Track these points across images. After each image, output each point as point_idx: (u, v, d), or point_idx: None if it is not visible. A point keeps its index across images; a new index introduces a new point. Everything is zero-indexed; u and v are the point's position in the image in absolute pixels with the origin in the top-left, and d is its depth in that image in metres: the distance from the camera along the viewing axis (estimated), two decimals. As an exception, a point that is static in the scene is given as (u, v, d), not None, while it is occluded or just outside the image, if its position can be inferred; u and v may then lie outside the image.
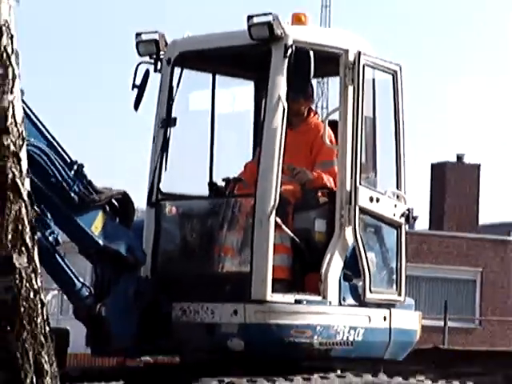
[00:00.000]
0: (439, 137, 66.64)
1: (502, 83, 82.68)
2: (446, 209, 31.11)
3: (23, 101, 7.12)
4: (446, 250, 26.09)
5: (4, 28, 5.56)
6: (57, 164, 8.25)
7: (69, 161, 8.31)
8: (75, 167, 8.30)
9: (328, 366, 8.35)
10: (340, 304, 8.46)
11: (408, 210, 9.00)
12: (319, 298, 8.34)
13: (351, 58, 8.47)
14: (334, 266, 8.42)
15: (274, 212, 8.03)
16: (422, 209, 32.96)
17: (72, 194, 8.29)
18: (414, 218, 9.48)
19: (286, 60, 8.25)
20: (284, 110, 8.24)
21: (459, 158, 32.46)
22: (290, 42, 8.18)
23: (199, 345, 8.54)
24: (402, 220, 8.82)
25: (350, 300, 8.56)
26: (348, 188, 8.47)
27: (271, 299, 8.09)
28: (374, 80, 8.84)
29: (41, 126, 8.21)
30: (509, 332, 27.15)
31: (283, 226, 8.14)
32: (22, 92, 6.57)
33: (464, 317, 25.66)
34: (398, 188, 8.97)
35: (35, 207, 6.15)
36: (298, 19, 8.66)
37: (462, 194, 31.23)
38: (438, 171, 31.82)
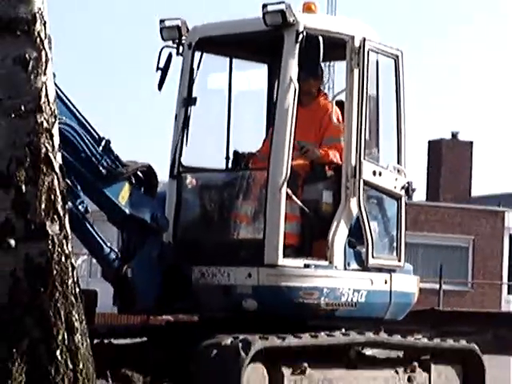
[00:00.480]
0: (436, 115, 68.30)
1: (497, 62, 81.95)
2: (442, 182, 32.40)
3: (55, 83, 7.32)
4: (441, 219, 27.20)
5: (38, 15, 6.02)
6: (86, 140, 8.48)
7: (97, 137, 8.51)
8: (103, 143, 8.52)
9: (333, 325, 8.50)
10: (345, 268, 8.61)
11: (407, 183, 9.15)
12: (326, 263, 8.49)
13: (357, 43, 8.61)
14: (339, 234, 8.57)
15: (285, 184, 8.14)
16: (420, 182, 34.03)
17: (100, 168, 8.49)
18: (413, 190, 9.51)
19: (298, 45, 8.33)
20: (295, 90, 8.34)
21: (454, 135, 33.77)
22: (301, 29, 8.28)
23: (216, 305, 8.62)
24: (402, 192, 9.01)
25: (354, 265, 8.71)
26: (353, 163, 8.60)
27: (282, 263, 8.21)
28: (377, 63, 8.94)
29: (71, 106, 8.42)
30: (498, 294, 28.20)
31: (293, 197, 8.28)
32: (54, 74, 6.87)
33: (457, 280, 26.71)
34: (398, 163, 9.12)
35: (66, 179, 6.56)
36: (308, 8, 8.79)
37: (456, 168, 32.63)
38: (435, 147, 33.15)
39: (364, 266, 8.78)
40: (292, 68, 8.47)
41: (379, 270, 8.97)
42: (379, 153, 9.23)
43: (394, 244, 9.28)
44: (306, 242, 8.76)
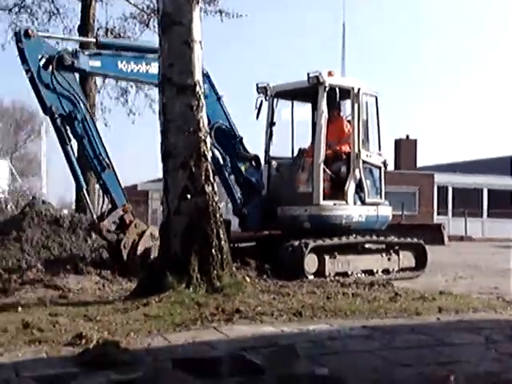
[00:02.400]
0: (399, 124, 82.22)
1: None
2: (402, 161, 41.62)
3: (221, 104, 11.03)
4: (401, 178, 34.85)
5: (197, 83, 7.54)
6: (232, 136, 11.27)
7: (236, 135, 11.49)
8: (238, 139, 11.48)
9: (349, 233, 11.16)
10: (354, 204, 11.38)
11: (384, 160, 12.01)
12: (344, 202, 11.33)
13: (356, 91, 11.45)
14: (350, 188, 11.31)
15: (321, 164, 11.02)
16: (390, 161, 40.56)
17: (237, 151, 11.37)
18: (387, 165, 11.40)
19: (325, 93, 11.08)
20: (325, 117, 11.16)
21: (407, 136, 43.24)
22: (327, 85, 11.04)
23: (290, 225, 11.25)
24: (382, 165, 11.95)
25: (358, 203, 11.44)
26: (356, 151, 11.37)
27: (322, 203, 11.08)
28: (367, 100, 11.75)
29: (225, 109, 11.31)
30: (431, 216, 36.72)
31: (327, 170, 11.18)
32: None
33: (410, 211, 34.23)
34: (379, 150, 12.03)
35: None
36: (330, 73, 11.32)
37: (409, 153, 42.69)
38: (397, 143, 42.73)
39: (364, 203, 11.45)
40: (323, 105, 11.16)
41: (371, 204, 11.57)
42: (369, 145, 11.82)
43: (379, 191, 11.84)
44: (334, 192, 11.24)
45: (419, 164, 44.50)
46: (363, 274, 10.92)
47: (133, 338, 5.12)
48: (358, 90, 11.42)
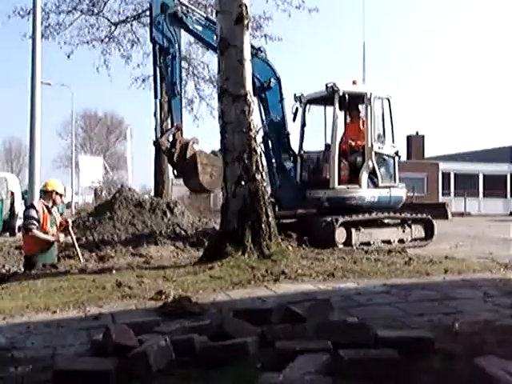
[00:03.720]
0: (410, 122, 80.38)
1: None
2: (412, 152, 42.12)
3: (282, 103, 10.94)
4: (411, 167, 33.88)
5: (248, 92, 7.47)
6: (283, 130, 11.25)
7: (286, 130, 11.38)
8: (286, 132, 11.40)
9: (363, 211, 11.10)
10: (368, 188, 11.34)
11: (397, 151, 11.79)
12: (357, 186, 11.28)
13: (368, 95, 11.36)
14: (363, 174, 11.30)
15: (336, 156, 11.07)
16: (403, 152, 40.72)
17: (283, 143, 11.31)
18: (400, 156, 11.01)
19: (339, 99, 11.04)
20: (341, 118, 11.32)
21: (417, 132, 43.43)
22: (341, 92, 11.06)
23: (315, 205, 11.40)
24: (395, 155, 11.74)
25: (372, 186, 11.34)
26: (369, 144, 11.33)
27: (338, 187, 11.13)
28: (380, 102, 11.58)
29: (284, 109, 11.16)
30: (436, 196, 36.01)
31: (344, 161, 11.23)
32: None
33: (420, 193, 33.67)
34: (393, 142, 11.76)
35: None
36: (354, 82, 11.52)
37: (418, 145, 42.98)
38: (408, 138, 42.86)
39: (377, 186, 11.38)
40: (337, 109, 11.08)
41: (385, 187, 11.44)
42: (385, 138, 11.54)
43: (393, 176, 11.64)
44: (349, 178, 11.26)
45: (427, 155, 44.23)
46: (382, 244, 10.93)
47: (201, 294, 5.19)
48: (370, 94, 11.26)
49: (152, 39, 9.95)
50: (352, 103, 11.14)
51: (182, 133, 10.05)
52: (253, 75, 9.85)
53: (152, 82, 10.49)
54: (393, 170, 11.67)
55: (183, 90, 11.24)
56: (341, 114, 11.13)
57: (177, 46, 10.09)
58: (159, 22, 9.83)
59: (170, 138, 9.98)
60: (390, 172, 11.63)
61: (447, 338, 3.49)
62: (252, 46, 10.48)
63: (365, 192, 11.24)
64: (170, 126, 10.25)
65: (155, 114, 10.16)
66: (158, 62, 9.96)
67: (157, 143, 9.98)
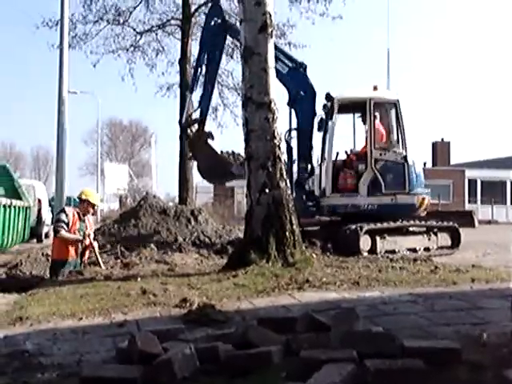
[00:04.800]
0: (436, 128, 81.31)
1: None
2: (438, 160, 42.02)
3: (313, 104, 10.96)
4: (437, 174, 33.35)
5: (272, 99, 7.48)
6: (309, 142, 11.20)
7: (310, 142, 11.29)
8: (310, 146, 11.27)
9: (364, 220, 10.67)
10: (367, 196, 11.12)
11: (405, 156, 11.14)
12: (357, 194, 11.16)
13: (368, 101, 11.13)
14: (363, 182, 11.08)
15: (330, 166, 11.17)
16: (428, 160, 41.42)
17: (308, 159, 11.17)
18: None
19: (337, 105, 11.11)
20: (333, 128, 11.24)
21: (442, 139, 42.97)
22: (336, 100, 11.10)
23: (321, 212, 11.41)
24: (402, 161, 11.14)
25: (377, 193, 11.03)
26: (369, 151, 11.11)
27: (330, 195, 11.17)
28: (386, 106, 11.56)
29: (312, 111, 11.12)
30: (462, 204, 34.59)
31: (346, 169, 11.26)
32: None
33: (446, 200, 32.44)
34: (403, 148, 11.26)
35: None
36: (375, 88, 11.42)
37: (443, 152, 42.68)
38: (434, 145, 43.07)
39: (380, 193, 11.02)
40: (334, 117, 11.17)
41: (388, 194, 11.03)
42: (394, 144, 11.35)
43: (401, 183, 11.08)
44: (350, 186, 11.20)
45: (452, 162, 43.69)
46: (408, 252, 10.72)
47: (225, 302, 5.19)
48: (370, 100, 11.15)
49: (201, 42, 11.38)
50: (358, 110, 11.17)
51: (205, 125, 11.30)
52: (290, 87, 10.45)
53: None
54: (402, 177, 11.19)
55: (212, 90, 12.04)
56: (338, 122, 11.21)
57: (218, 52, 11.26)
58: (207, 27, 11.22)
59: (195, 127, 11.40)
60: (398, 179, 11.19)
61: (475, 348, 3.44)
62: (293, 60, 10.82)
63: (360, 200, 11.10)
64: (198, 116, 11.36)
65: (185, 105, 12.07)
66: (201, 62, 11.19)
67: (185, 125, 11.54)
